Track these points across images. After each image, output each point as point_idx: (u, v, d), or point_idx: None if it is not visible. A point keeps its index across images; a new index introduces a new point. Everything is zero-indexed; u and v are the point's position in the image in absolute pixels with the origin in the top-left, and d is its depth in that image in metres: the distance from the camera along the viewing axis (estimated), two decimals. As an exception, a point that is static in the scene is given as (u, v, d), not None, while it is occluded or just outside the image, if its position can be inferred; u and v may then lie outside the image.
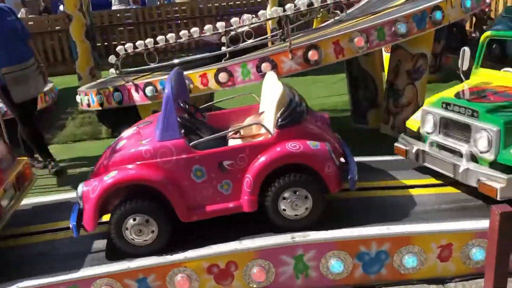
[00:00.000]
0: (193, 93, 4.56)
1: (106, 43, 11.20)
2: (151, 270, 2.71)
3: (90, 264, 2.80)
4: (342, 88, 7.19)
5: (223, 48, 4.86)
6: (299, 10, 4.11)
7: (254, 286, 2.78)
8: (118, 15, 11.21)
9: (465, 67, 3.50)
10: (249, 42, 4.73)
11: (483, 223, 2.70)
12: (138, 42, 4.52)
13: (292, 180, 2.76)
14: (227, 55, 4.76)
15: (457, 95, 3.28)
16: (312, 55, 4.08)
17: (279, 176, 2.76)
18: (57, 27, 10.87)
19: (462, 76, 3.55)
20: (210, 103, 4.31)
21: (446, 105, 3.19)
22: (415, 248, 2.73)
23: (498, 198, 2.78)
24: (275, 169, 2.75)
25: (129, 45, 4.52)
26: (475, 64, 3.59)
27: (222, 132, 3.03)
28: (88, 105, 5.42)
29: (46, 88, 6.32)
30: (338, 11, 4.90)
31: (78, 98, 5.79)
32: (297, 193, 2.77)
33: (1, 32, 4.45)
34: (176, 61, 4.97)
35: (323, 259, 2.75)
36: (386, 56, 5.66)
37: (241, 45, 4.63)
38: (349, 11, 5.17)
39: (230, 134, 3.09)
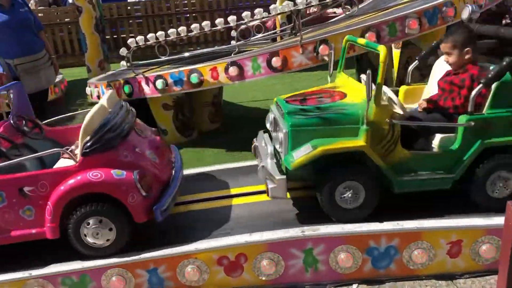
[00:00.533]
0: (204, 86, 4.58)
1: (115, 36, 11.24)
2: (162, 261, 2.74)
3: (101, 256, 2.82)
4: (351, 84, 7.19)
5: (233, 42, 4.89)
6: (310, 5, 4.11)
7: (264, 278, 2.80)
8: (127, 7, 11.24)
9: (331, 71, 3.38)
10: (259, 36, 4.74)
11: (494, 220, 2.71)
12: (149, 35, 4.54)
13: (94, 209, 2.69)
14: (237, 49, 4.78)
15: (291, 96, 3.24)
16: (323, 50, 4.09)
17: (86, 204, 2.70)
18: (66, 19, 10.93)
19: (329, 79, 3.44)
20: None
21: (276, 104, 3.17)
22: (424, 243, 2.74)
23: (269, 197, 2.85)
24: (80, 197, 2.68)
25: (140, 38, 4.54)
26: (338, 68, 3.44)
27: (34, 155, 2.89)
28: (98, 97, 5.46)
29: (56, 80, 6.36)
30: (348, 6, 4.90)
31: (88, 90, 5.83)
32: (102, 222, 2.71)
33: (13, 23, 4.49)
34: (186, 54, 5.00)
35: (332, 253, 2.77)
36: (395, 52, 5.64)
37: (252, 39, 4.66)
38: (360, 6, 5.16)
39: (63, 153, 2.98)
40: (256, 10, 4.25)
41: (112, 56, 9.12)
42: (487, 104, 2.79)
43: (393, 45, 5.52)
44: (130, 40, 4.58)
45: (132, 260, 2.73)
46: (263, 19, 4.34)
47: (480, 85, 2.74)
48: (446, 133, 2.86)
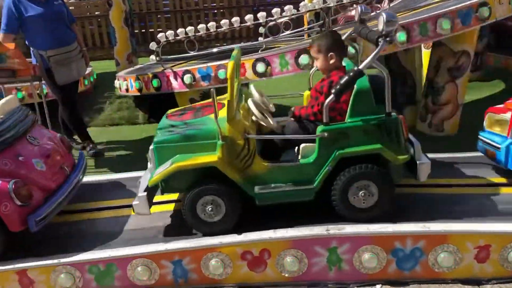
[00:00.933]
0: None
1: (143, 30, 11.37)
2: (186, 253, 2.77)
3: (128, 244, 2.88)
4: (378, 83, 7.11)
5: (260, 39, 4.89)
6: (341, 2, 4.08)
7: (286, 275, 2.81)
8: (156, 2, 11.35)
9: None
10: (287, 33, 4.73)
11: (524, 226, 2.66)
12: (179, 30, 4.58)
13: None
14: (264, 46, 4.79)
15: (178, 110, 3.33)
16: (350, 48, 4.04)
17: None
18: (96, 13, 11.09)
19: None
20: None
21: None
22: (450, 247, 2.70)
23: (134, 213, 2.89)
24: None
25: (170, 33, 4.59)
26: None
27: None
28: (127, 90, 5.54)
29: (86, 72, 6.48)
30: (379, 5, 4.84)
31: (116, 83, 5.92)
32: None
33: (48, 15, 4.58)
34: (214, 49, 5.03)
35: (357, 253, 2.76)
36: (425, 52, 5.55)
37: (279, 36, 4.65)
38: (391, 5, 5.09)
39: None
40: (286, 7, 4.25)
41: (140, 50, 9.23)
42: (347, 112, 2.75)
43: (422, 45, 5.44)
44: (160, 35, 4.63)
45: (157, 251, 2.77)
46: (293, 16, 4.32)
47: (331, 96, 2.67)
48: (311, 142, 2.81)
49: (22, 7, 4.50)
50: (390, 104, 2.76)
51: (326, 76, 2.94)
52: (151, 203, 2.91)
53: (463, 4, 4.06)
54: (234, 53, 2.95)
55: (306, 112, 2.93)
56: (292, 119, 3.02)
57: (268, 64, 4.30)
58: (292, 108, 3.04)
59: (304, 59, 4.10)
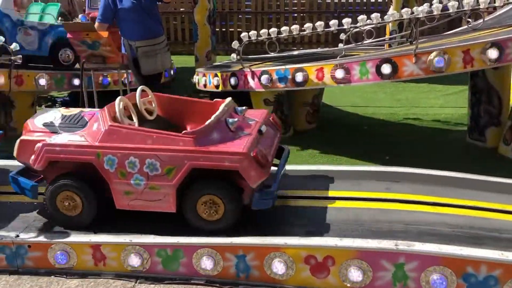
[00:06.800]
0: (307, 86, 4.62)
1: (223, 29, 11.65)
2: (251, 249, 2.81)
3: (195, 234, 2.97)
4: (459, 100, 6.82)
5: (340, 45, 4.85)
6: (431, 14, 3.95)
7: (348, 285, 2.76)
8: (239, 2, 11.59)
9: None
10: (369, 41, 4.66)
11: None
12: (262, 31, 4.65)
13: None
14: (343, 52, 4.75)
15: None
16: (437, 61, 3.91)
17: None
18: (181, 9, 11.53)
19: None
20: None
21: None
22: (528, 280, 2.53)
23: None
24: None
25: (253, 33, 4.67)
26: None
27: None
28: (205, 85, 5.72)
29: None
30: (469, 20, 4.64)
31: (195, 78, 6.13)
32: None
33: (140, 8, 4.82)
34: (295, 52, 5.06)
35: (424, 272, 2.65)
36: (516, 72, 5.24)
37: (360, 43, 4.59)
38: (485, 19, 4.85)
39: None
40: (373, 15, 4.18)
41: (218, 48, 9.48)
42: None
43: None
44: (243, 34, 4.73)
45: (224, 244, 2.83)
46: (378, 24, 4.24)
47: None
48: None
49: (118, -1, 4.78)
50: None
51: None
52: None
53: None
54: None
55: None
56: None
57: (347, 71, 4.26)
58: None
59: (386, 68, 4.02)
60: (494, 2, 4.10)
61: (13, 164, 3.79)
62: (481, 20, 4.51)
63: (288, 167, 3.52)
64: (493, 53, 3.79)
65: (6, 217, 3.24)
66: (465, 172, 3.61)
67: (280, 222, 3.07)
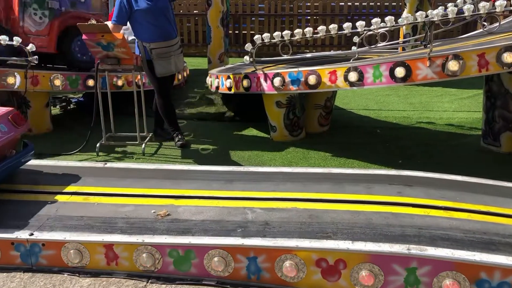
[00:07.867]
0: (320, 88, 4.61)
1: (236, 32, 11.69)
2: (262, 251, 2.81)
3: (207, 234, 2.98)
4: (473, 105, 6.75)
5: (353, 48, 4.84)
6: (446, 17, 3.93)
7: (360, 289, 2.75)
8: (252, 5, 11.63)
9: None
10: (382, 44, 4.64)
11: None
12: (275, 33, 4.66)
13: None
14: (356, 55, 4.74)
15: None
16: (452, 65, 3.88)
17: None
18: (195, 11, 11.60)
19: None
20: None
21: None
22: (543, 287, 2.50)
23: None
24: None
25: (266, 35, 4.68)
26: None
27: None
28: (217, 87, 5.74)
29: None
30: (485, 23, 4.59)
31: (208, 80, 6.15)
32: None
33: (156, 10, 4.87)
34: (308, 55, 5.05)
35: (437, 278, 2.63)
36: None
37: (374, 46, 4.57)
38: (502, 22, 4.80)
39: None
40: (387, 18, 4.16)
41: (231, 50, 9.51)
42: None
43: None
44: (256, 37, 4.74)
45: (235, 245, 2.84)
46: (393, 28, 4.22)
47: None
48: None
49: (133, 0, 4.82)
50: None
51: None
52: None
53: None
54: None
55: None
56: None
57: (361, 73, 4.25)
58: None
59: (399, 71, 4.00)
60: (511, 6, 4.06)
61: (29, 164, 3.85)
62: (496, 24, 4.46)
63: (298, 169, 3.49)
64: (508, 57, 3.75)
65: (21, 216, 3.28)
66: (479, 177, 3.59)
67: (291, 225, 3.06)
